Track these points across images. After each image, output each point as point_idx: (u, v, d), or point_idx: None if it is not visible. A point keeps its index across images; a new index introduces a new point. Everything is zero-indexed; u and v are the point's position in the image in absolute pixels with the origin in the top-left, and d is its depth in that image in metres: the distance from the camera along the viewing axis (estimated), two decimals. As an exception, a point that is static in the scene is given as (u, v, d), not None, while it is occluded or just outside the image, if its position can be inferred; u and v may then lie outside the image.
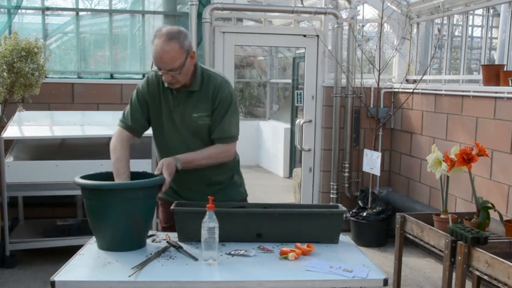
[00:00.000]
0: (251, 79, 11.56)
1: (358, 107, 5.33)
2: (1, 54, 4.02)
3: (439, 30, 4.60)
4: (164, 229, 2.55)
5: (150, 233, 2.31)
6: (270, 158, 9.34)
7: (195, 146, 2.44)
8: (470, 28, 4.85)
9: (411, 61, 5.31)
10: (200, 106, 2.42)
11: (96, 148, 4.49)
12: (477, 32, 5.34)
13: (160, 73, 2.34)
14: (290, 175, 8.24)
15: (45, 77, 4.33)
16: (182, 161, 2.33)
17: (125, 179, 2.31)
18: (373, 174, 4.93)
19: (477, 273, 2.48)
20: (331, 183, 5.42)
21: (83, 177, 2.20)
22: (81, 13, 5.07)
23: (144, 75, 5.18)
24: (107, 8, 5.16)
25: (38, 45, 4.14)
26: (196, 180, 2.48)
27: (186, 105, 2.43)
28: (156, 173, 2.29)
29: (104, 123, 4.58)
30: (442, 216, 2.92)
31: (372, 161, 4.80)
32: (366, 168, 4.91)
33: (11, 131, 4.17)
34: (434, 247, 2.86)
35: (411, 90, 4.92)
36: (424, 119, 4.88)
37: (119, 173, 2.31)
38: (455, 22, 5.09)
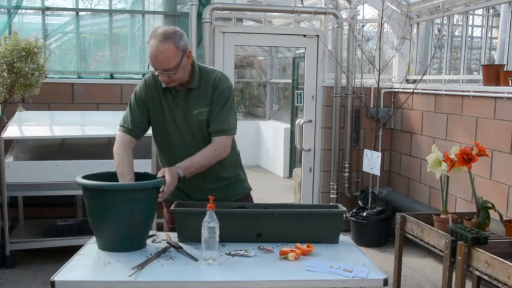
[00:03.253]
0: (251, 79, 11.55)
1: (358, 107, 5.32)
2: (1, 54, 4.02)
3: (439, 30, 4.60)
4: (171, 229, 2.54)
5: (150, 233, 2.31)
6: (270, 158, 9.33)
7: (197, 145, 2.45)
8: (470, 28, 4.85)
9: (411, 61, 5.30)
10: (200, 102, 2.44)
11: (96, 148, 4.49)
12: (477, 32, 5.33)
13: (156, 73, 2.36)
14: (290, 175, 8.24)
15: (45, 77, 4.33)
16: (182, 168, 2.33)
17: (129, 180, 2.32)
18: (373, 174, 4.93)
19: (477, 273, 2.48)
20: (331, 183, 5.42)
21: (85, 177, 2.20)
22: (81, 13, 5.06)
23: (144, 75, 5.18)
24: (107, 8, 5.16)
25: (38, 45, 4.14)
26: (204, 179, 2.48)
27: (186, 103, 2.44)
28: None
29: (104, 123, 4.57)
30: (442, 216, 2.92)
31: (372, 161, 4.80)
32: (366, 168, 4.90)
33: (11, 131, 4.16)
34: (434, 247, 2.86)
35: (411, 90, 4.92)
36: (424, 119, 4.88)
37: (123, 175, 2.33)
38: (455, 22, 5.08)
